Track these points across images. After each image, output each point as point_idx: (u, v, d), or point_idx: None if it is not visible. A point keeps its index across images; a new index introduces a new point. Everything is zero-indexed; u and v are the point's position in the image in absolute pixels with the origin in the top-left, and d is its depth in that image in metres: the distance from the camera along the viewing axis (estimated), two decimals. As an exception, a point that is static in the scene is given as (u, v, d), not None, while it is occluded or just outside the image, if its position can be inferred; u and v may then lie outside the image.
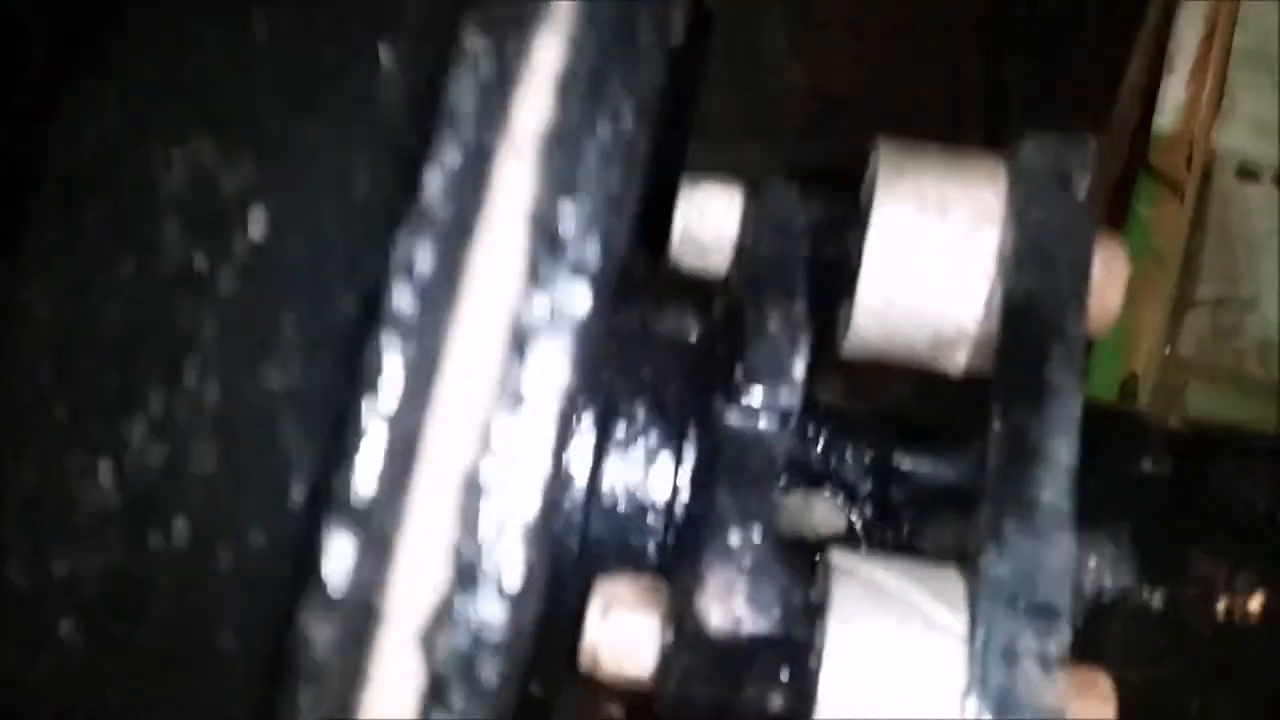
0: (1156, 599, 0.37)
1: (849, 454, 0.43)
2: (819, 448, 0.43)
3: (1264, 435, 0.40)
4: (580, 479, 0.36)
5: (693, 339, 0.38)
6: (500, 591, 0.20)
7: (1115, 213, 0.94)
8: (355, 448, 0.18)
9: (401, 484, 0.19)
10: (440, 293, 0.19)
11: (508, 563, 0.20)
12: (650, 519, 0.36)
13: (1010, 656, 0.29)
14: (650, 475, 0.36)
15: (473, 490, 0.20)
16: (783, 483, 0.43)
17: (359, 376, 0.18)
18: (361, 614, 0.19)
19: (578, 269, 0.20)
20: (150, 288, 0.20)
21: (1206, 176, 0.98)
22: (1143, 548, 0.37)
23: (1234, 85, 1.02)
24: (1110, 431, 0.38)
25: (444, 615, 0.20)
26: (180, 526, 0.20)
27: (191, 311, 0.20)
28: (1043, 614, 0.30)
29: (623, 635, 0.32)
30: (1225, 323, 0.96)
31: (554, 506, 0.20)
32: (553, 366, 0.20)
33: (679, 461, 0.36)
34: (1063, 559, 0.31)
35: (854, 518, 0.43)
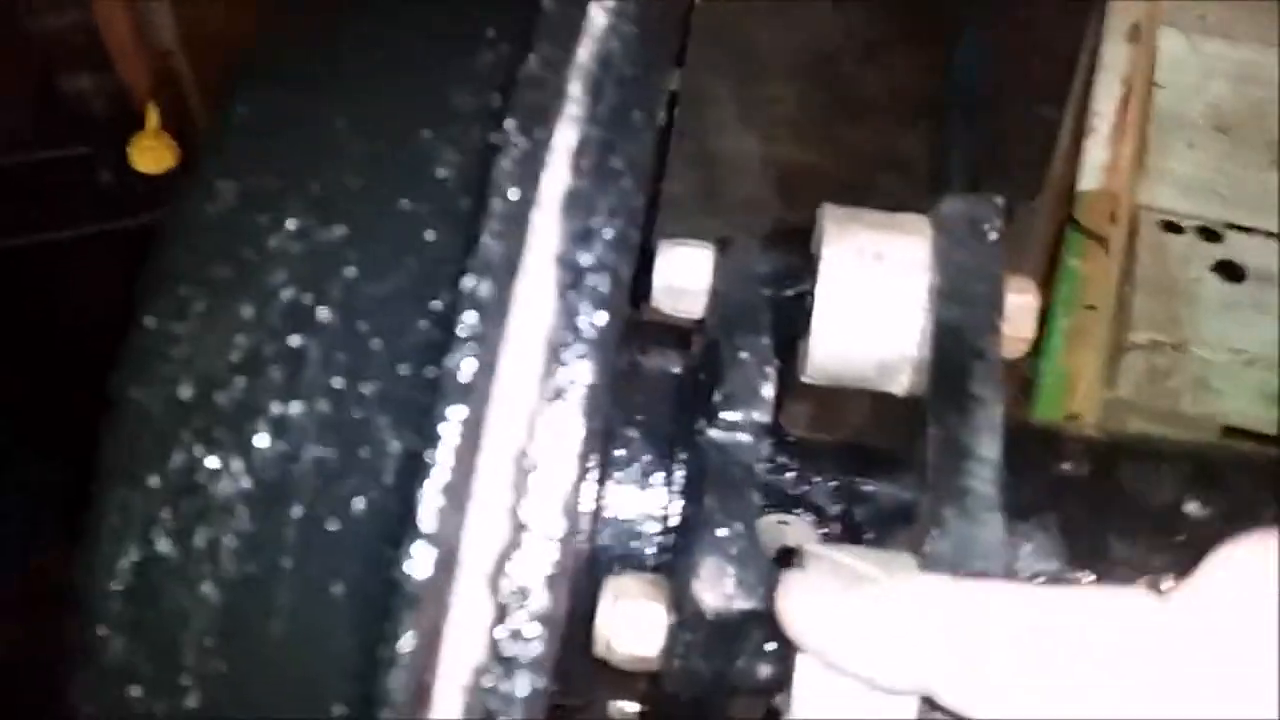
0: (1084, 581, 0.43)
1: (818, 480, 0.50)
2: (792, 475, 0.50)
3: (1169, 440, 0.47)
4: (587, 495, 0.42)
5: (676, 372, 0.44)
6: (548, 539, 0.26)
7: (1054, 265, 1.02)
8: (439, 430, 0.24)
9: (471, 461, 0.25)
10: (496, 315, 0.25)
11: (553, 519, 0.26)
12: (648, 527, 0.42)
13: (953, 617, 0.35)
14: (646, 489, 0.42)
15: (523, 466, 0.26)
16: (761, 505, 0.49)
17: (442, 378, 0.24)
18: (446, 558, 0.24)
19: (595, 296, 0.26)
20: (266, 322, 0.26)
21: (1134, 231, 1.06)
22: (1068, 537, 0.43)
23: (1154, 145, 1.11)
24: (1034, 441, 0.45)
25: (505, 560, 0.25)
26: (298, 504, 0.25)
27: (300, 339, 0.26)
28: (978, 581, 0.36)
29: (632, 620, 0.38)
30: (1159, 365, 1.03)
31: (585, 476, 0.26)
32: (580, 370, 0.26)
33: (670, 477, 0.42)
34: (994, 536, 0.37)
35: (824, 535, 0.50)
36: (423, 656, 0.24)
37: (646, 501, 0.42)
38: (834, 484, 0.50)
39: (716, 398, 0.41)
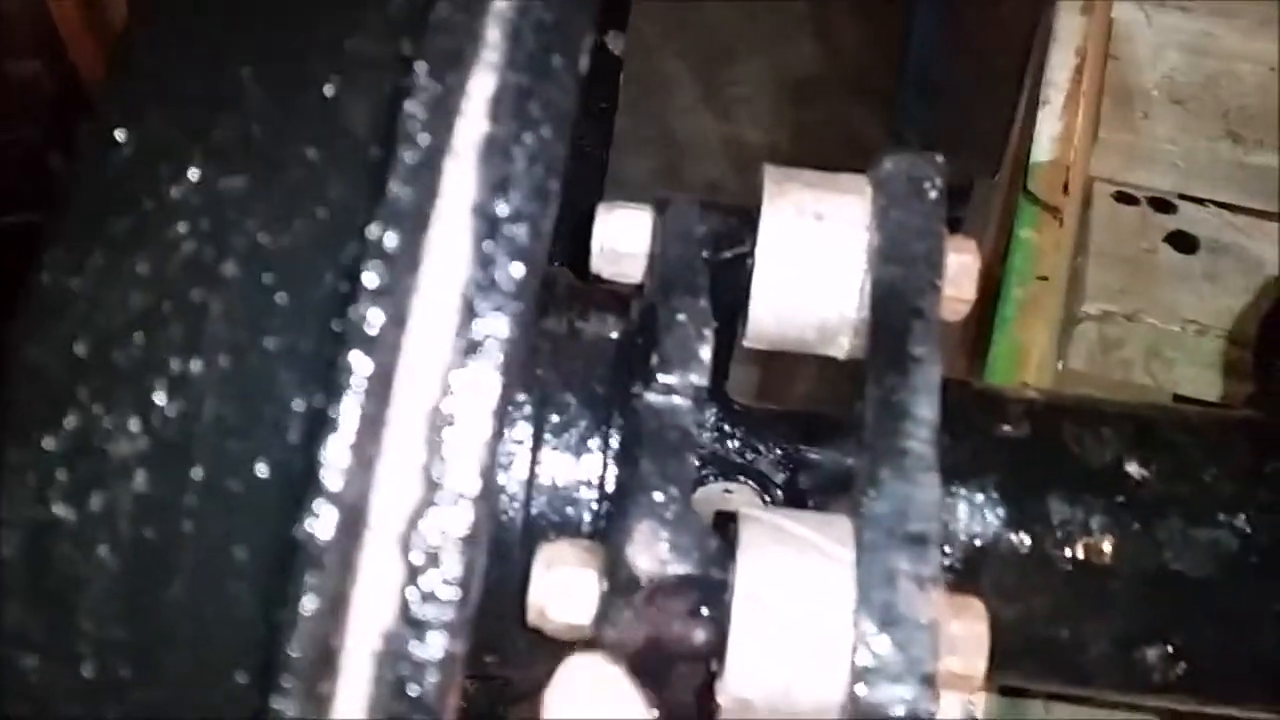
0: (1023, 542, 0.43)
1: (763, 448, 0.49)
2: (737, 444, 0.49)
3: (1111, 401, 0.47)
4: (522, 462, 0.41)
5: (614, 337, 0.43)
6: (463, 499, 0.25)
7: (1007, 237, 1.02)
8: (345, 385, 0.23)
9: (379, 417, 0.24)
10: (406, 266, 0.24)
11: (468, 478, 0.25)
12: (584, 493, 0.41)
13: (889, 578, 0.35)
14: (582, 455, 0.41)
15: (436, 423, 0.25)
16: (705, 474, 0.49)
17: (347, 331, 0.23)
18: (352, 518, 0.24)
19: (512, 246, 0.25)
20: (166, 276, 0.25)
21: (1087, 201, 1.06)
22: (1007, 499, 0.43)
23: (1108, 117, 1.11)
24: (974, 402, 0.45)
25: (417, 520, 0.25)
26: (198, 465, 0.24)
27: (201, 294, 0.25)
28: (915, 542, 0.35)
29: (565, 587, 0.37)
30: (1112, 335, 1.03)
31: (501, 432, 0.25)
32: (497, 323, 0.25)
33: (607, 442, 0.42)
34: (930, 496, 0.36)
35: (768, 504, 0.49)
36: (326, 621, 0.23)
37: (583, 467, 0.41)
38: (779, 452, 0.49)
39: (653, 361, 0.40)
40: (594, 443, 0.41)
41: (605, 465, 0.41)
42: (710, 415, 0.49)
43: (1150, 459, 0.44)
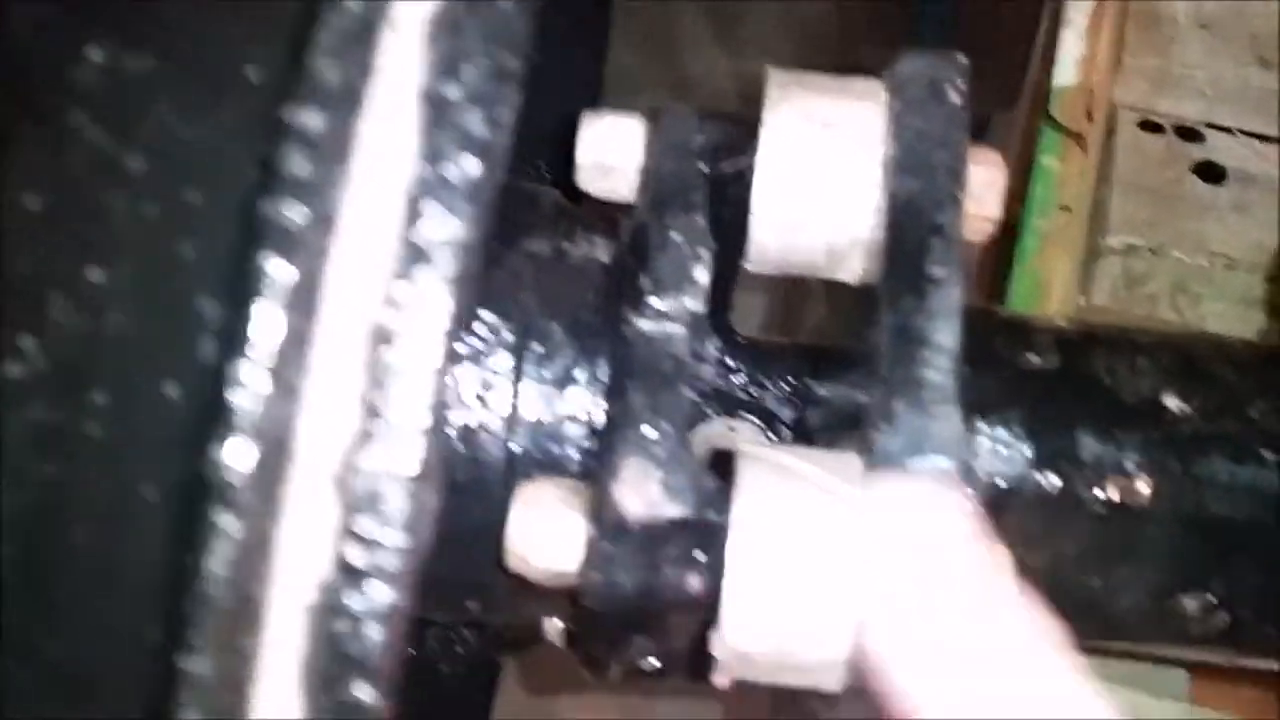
0: (1051, 483, 0.39)
1: (769, 383, 0.45)
2: (741, 378, 0.45)
3: (1146, 330, 0.43)
4: (502, 395, 0.37)
5: (604, 259, 0.40)
6: (409, 432, 0.21)
7: (1028, 165, 0.97)
8: (259, 294, 0.20)
9: (305, 335, 0.21)
10: (334, 155, 0.20)
11: (414, 408, 0.21)
12: (571, 430, 0.38)
13: (904, 520, 0.31)
14: (568, 388, 0.38)
15: (378, 341, 0.21)
16: (707, 410, 0.45)
17: (260, 230, 0.20)
18: (275, 453, 0.20)
19: (465, 137, 0.22)
20: (63, 173, 0.22)
21: (1111, 130, 1.02)
22: (1034, 436, 0.39)
23: (1132, 42, 1.07)
24: (998, 330, 0.41)
25: (355, 458, 0.21)
26: (100, 390, 0.21)
27: (103, 192, 0.21)
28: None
29: (547, 530, 0.34)
30: (1136, 270, 0.99)
31: (455, 356, 0.21)
32: (448, 226, 0.21)
33: (595, 374, 0.38)
34: (949, 431, 0.33)
35: (775, 441, 0.46)
36: (245, 568, 0.20)
37: (569, 401, 0.38)
38: (786, 387, 0.46)
39: (644, 284, 0.36)
40: (581, 374, 0.38)
41: (594, 399, 0.38)
42: (711, 347, 0.45)
43: (1191, 392, 0.40)
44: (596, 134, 0.39)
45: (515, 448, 0.37)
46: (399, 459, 0.21)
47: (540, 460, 0.37)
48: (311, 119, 0.20)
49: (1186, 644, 0.41)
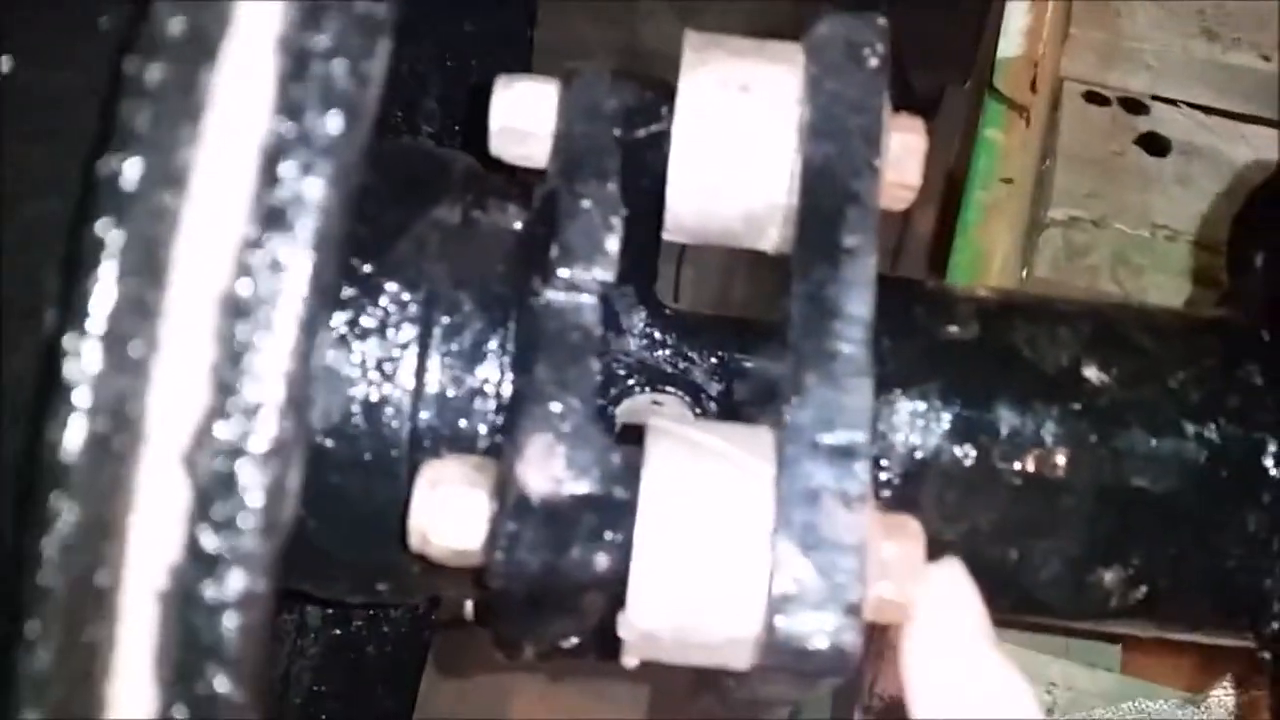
0: (967, 455, 0.39)
1: (696, 356, 0.44)
2: (667, 351, 0.44)
3: (1068, 299, 0.42)
4: (407, 369, 0.36)
5: (516, 228, 0.39)
6: (264, 406, 0.20)
7: (971, 137, 0.97)
8: (93, 260, 0.19)
9: (149, 304, 0.19)
10: (178, 107, 0.19)
11: (269, 381, 0.20)
12: (479, 404, 0.37)
13: (812, 496, 0.31)
14: (477, 361, 0.37)
15: (229, 311, 0.20)
16: (633, 384, 0.44)
17: (95, 190, 0.18)
18: (118, 430, 0.19)
19: (327, 89, 0.20)
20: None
21: (1055, 102, 1.02)
22: (952, 407, 0.39)
23: (1079, 13, 1.06)
24: (917, 301, 0.40)
25: (206, 436, 0.20)
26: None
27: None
28: (842, 455, 0.31)
29: (449, 509, 0.33)
30: (1078, 242, 0.99)
31: (313, 329, 0.20)
32: (307, 186, 0.20)
33: (505, 347, 0.37)
34: (860, 404, 0.32)
35: (700, 416, 0.45)
36: (87, 555, 0.18)
37: (477, 375, 0.37)
38: (713, 360, 0.45)
39: (553, 252, 0.35)
40: (490, 347, 0.37)
41: (503, 372, 0.37)
42: (636, 319, 0.44)
43: (1111, 362, 0.40)
44: (510, 98, 0.38)
45: (421, 423, 0.36)
46: (253, 436, 0.20)
47: (448, 436, 0.36)
48: (153, 69, 0.18)
49: (1106, 617, 0.41)
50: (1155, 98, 1.07)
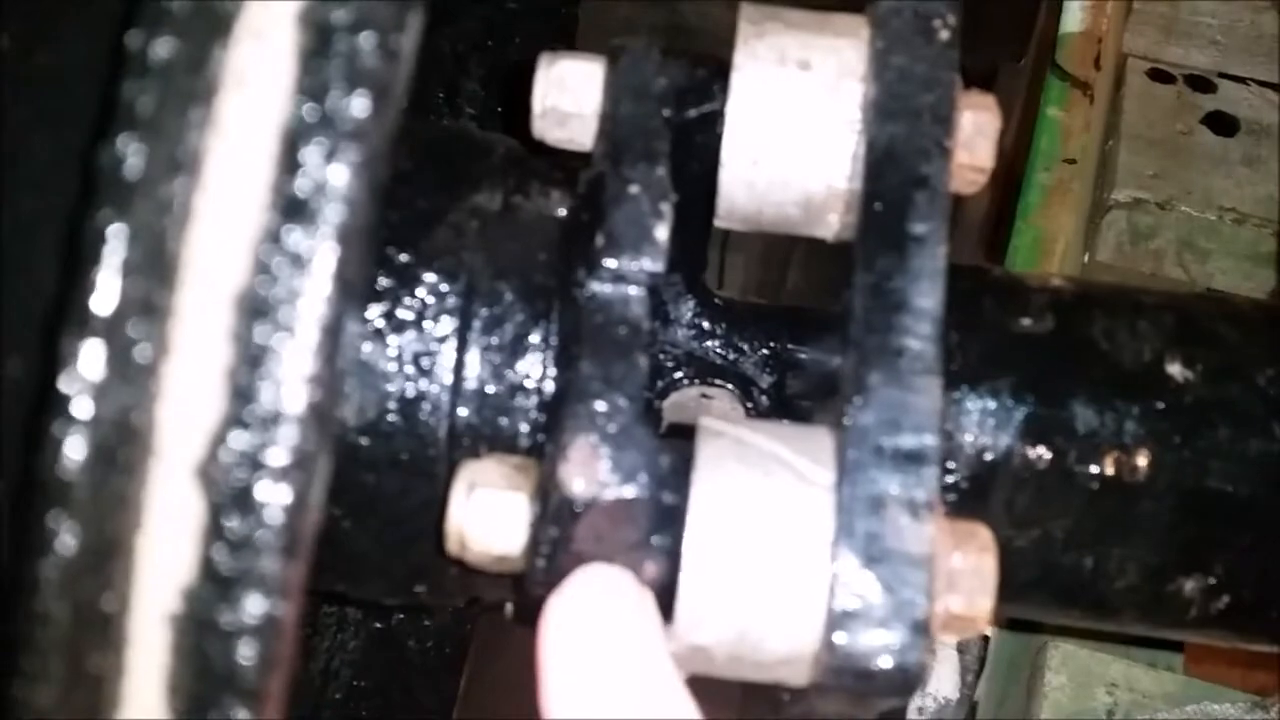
0: (1041, 457, 0.36)
1: (746, 347, 0.42)
2: (717, 343, 0.42)
3: (1148, 290, 0.40)
4: (445, 363, 0.35)
5: (560, 215, 0.37)
6: (285, 415, 0.18)
7: (1032, 116, 0.94)
8: (94, 257, 0.17)
9: (158, 304, 0.18)
10: (186, 87, 0.17)
11: (291, 387, 0.18)
12: (520, 401, 0.35)
13: (876, 504, 0.29)
14: (518, 356, 0.35)
15: (246, 311, 0.18)
16: (681, 377, 0.42)
17: (96, 178, 0.17)
18: (123, 443, 0.17)
19: (353, 68, 0.18)
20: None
21: (1119, 80, 0.98)
22: (1025, 405, 0.36)
23: (1142, -12, 1.02)
24: (988, 292, 0.38)
25: (221, 446, 0.18)
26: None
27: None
28: (909, 460, 0.29)
29: (488, 512, 0.31)
30: (1142, 225, 0.96)
31: (338, 329, 0.19)
32: (332, 173, 0.18)
33: (548, 340, 0.35)
34: (929, 404, 0.30)
35: (751, 410, 0.42)
36: (91, 578, 0.17)
37: (518, 370, 0.35)
38: (765, 351, 0.43)
39: (599, 241, 0.33)
40: (532, 341, 0.35)
41: (545, 368, 0.35)
42: (685, 309, 0.42)
43: (1195, 357, 0.37)
44: (553, 78, 0.36)
45: (460, 421, 0.34)
46: (272, 448, 0.18)
47: (487, 435, 0.34)
48: (159, 46, 0.16)
49: (1185, 628, 0.39)
50: (1223, 75, 1.03)
